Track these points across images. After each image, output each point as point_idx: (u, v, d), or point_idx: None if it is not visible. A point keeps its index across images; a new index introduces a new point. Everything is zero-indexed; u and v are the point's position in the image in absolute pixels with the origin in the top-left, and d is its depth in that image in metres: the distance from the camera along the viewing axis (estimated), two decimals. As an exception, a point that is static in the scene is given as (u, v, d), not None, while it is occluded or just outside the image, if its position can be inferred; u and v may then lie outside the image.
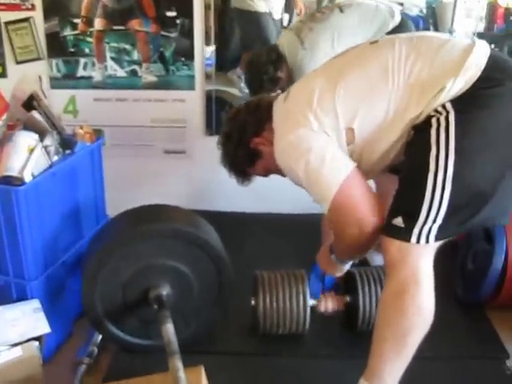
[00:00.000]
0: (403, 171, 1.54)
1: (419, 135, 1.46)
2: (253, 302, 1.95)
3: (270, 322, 1.93)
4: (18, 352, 1.68)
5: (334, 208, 1.53)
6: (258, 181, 2.20)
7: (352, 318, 1.97)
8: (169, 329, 1.62)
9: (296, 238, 2.47)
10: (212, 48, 2.55)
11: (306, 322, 1.93)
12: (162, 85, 2.62)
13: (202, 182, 2.71)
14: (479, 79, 1.41)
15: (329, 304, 1.94)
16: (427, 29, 2.50)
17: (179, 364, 1.47)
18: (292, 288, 1.92)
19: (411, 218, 1.43)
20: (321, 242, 2.08)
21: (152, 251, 1.78)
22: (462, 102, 1.41)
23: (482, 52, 1.45)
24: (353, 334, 2.00)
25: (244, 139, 1.77)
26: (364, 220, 1.52)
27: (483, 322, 2.09)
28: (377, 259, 2.12)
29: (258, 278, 1.97)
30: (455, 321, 2.09)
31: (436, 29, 2.52)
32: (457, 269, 2.26)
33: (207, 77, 2.60)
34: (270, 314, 1.91)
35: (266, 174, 1.86)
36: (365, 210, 1.53)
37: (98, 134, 2.45)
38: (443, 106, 1.42)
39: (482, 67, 1.42)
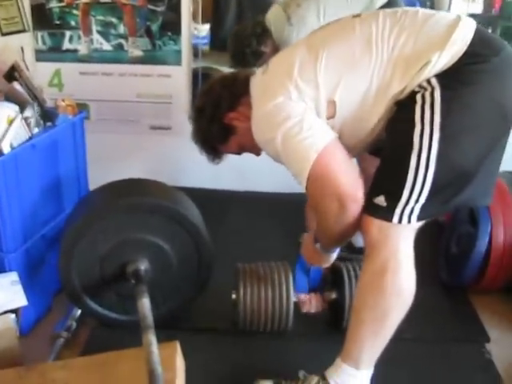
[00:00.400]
0: (385, 148, 1.50)
1: (403, 112, 1.42)
2: (234, 296, 1.88)
3: (251, 319, 1.86)
4: (-7, 324, 1.67)
5: (312, 180, 1.46)
6: (243, 159, 2.18)
7: (338, 315, 1.90)
8: (144, 303, 1.61)
9: (279, 216, 2.45)
10: (207, 26, 2.53)
11: (288, 319, 1.86)
12: (148, 59, 2.61)
13: (187, 158, 2.68)
14: (465, 54, 1.37)
15: (312, 305, 1.87)
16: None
17: (153, 339, 1.46)
18: (275, 283, 1.85)
19: (393, 197, 1.40)
20: (304, 222, 2.06)
21: (131, 225, 1.78)
22: (447, 78, 1.37)
23: (468, 27, 1.42)
24: (338, 332, 1.83)
25: (218, 114, 1.71)
26: (343, 192, 1.44)
27: (465, 306, 2.10)
28: (360, 240, 2.11)
29: (240, 271, 1.90)
30: (437, 303, 2.10)
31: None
32: (441, 251, 2.26)
33: (196, 54, 2.57)
34: (250, 311, 1.84)
35: (239, 151, 1.81)
36: (344, 181, 1.44)
37: (82, 107, 2.48)
38: (428, 82, 1.38)
39: (468, 42, 1.38)
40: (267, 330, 1.88)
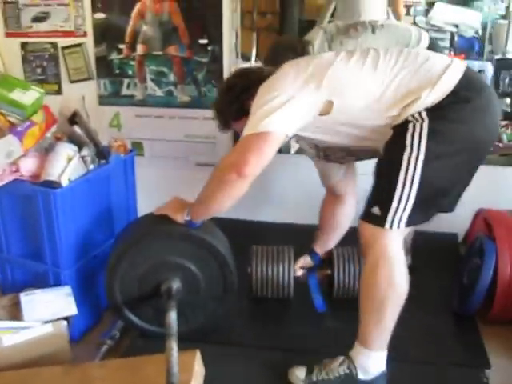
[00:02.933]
0: (380, 166, 1.77)
1: (398, 137, 1.69)
2: (249, 270, 2.29)
3: (261, 286, 2.29)
4: (48, 328, 1.95)
5: (243, 141, 1.72)
6: (280, 193, 2.41)
7: (331, 287, 2.31)
8: (171, 315, 1.82)
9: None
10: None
11: (290, 288, 2.28)
12: (194, 104, 2.81)
13: None
14: (452, 93, 1.64)
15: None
16: (482, 51, 2.55)
17: (174, 345, 1.67)
18: (280, 260, 2.28)
19: (385, 207, 1.68)
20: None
21: (166, 250, 2.00)
22: (435, 113, 1.64)
23: (457, 70, 1.68)
24: (330, 300, 2.31)
25: (242, 97, 1.88)
26: (245, 169, 1.67)
27: (472, 334, 2.19)
28: None
29: (254, 251, 2.32)
30: (446, 330, 2.22)
31: (491, 50, 2.55)
32: (455, 283, 2.39)
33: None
34: (261, 280, 2.28)
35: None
36: (253, 163, 1.67)
37: (137, 146, 2.78)
38: (419, 114, 1.65)
39: (455, 83, 1.65)
40: (274, 297, 2.32)
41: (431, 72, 1.68)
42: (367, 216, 1.74)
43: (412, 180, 1.64)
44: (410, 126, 1.65)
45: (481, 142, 1.71)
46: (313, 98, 1.72)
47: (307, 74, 1.73)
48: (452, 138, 1.65)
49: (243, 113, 1.85)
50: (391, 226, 1.68)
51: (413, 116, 1.66)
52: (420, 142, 1.63)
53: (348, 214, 2.28)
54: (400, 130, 1.68)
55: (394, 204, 1.67)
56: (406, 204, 1.66)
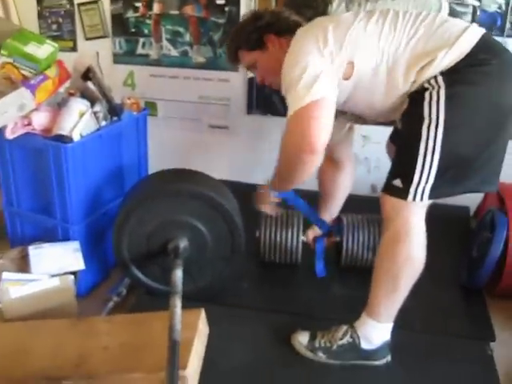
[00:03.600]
0: (400, 138, 1.75)
1: (414, 107, 1.66)
2: (257, 234, 2.29)
3: (269, 250, 2.29)
4: (55, 282, 1.97)
5: (294, 117, 1.65)
6: None
7: (339, 254, 2.30)
8: (177, 274, 1.83)
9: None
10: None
11: (298, 252, 2.29)
12: (209, 65, 2.79)
13: (242, 156, 2.89)
14: (468, 55, 1.60)
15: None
16: (503, 26, 2.51)
17: (178, 302, 1.68)
18: (288, 224, 2.28)
19: (407, 179, 1.64)
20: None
21: (175, 208, 2.00)
22: (452, 77, 1.60)
23: (475, 32, 1.64)
24: (338, 268, 2.34)
25: (265, 30, 1.88)
26: (309, 142, 1.62)
27: (479, 307, 2.18)
28: None
29: (263, 214, 2.28)
30: (453, 303, 2.21)
31: None
32: (464, 256, 2.38)
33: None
34: (269, 243, 2.28)
35: (251, 66, 2.01)
36: (314, 133, 1.62)
37: (151, 105, 2.77)
38: (435, 80, 1.61)
39: (473, 44, 1.61)
40: (281, 262, 2.32)
41: (448, 33, 1.64)
42: (389, 188, 1.70)
43: (433, 150, 1.60)
44: (427, 94, 1.61)
45: (501, 106, 1.63)
46: (337, 61, 1.68)
47: (328, 36, 1.69)
48: (470, 101, 1.60)
49: (259, 45, 1.88)
50: (414, 199, 1.65)
51: (429, 82, 1.62)
52: (438, 110, 1.59)
53: (347, 180, 2.27)
54: (417, 99, 1.64)
55: (416, 176, 1.63)
56: (428, 175, 1.62)
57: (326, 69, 1.65)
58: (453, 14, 2.48)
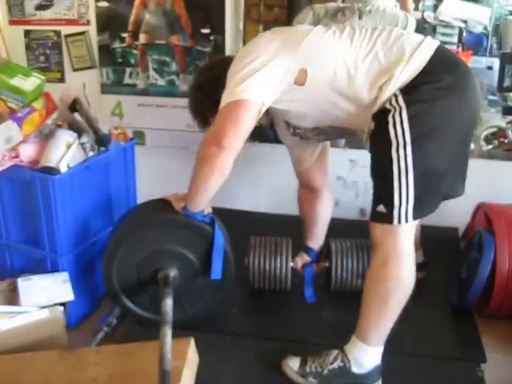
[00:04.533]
0: (373, 164, 1.76)
1: (380, 131, 1.69)
2: (246, 261, 2.29)
3: (258, 277, 2.29)
4: (45, 313, 1.96)
5: (221, 111, 1.70)
6: (279, 184, 2.39)
7: (329, 280, 2.30)
8: (167, 303, 1.83)
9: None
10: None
11: (287, 279, 2.29)
12: None
13: (230, 182, 2.87)
14: (424, 69, 1.64)
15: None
16: (490, 47, 2.54)
17: (168, 332, 1.68)
18: (277, 251, 2.29)
19: (389, 203, 1.67)
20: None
21: (164, 238, 2.00)
22: (411, 97, 1.63)
23: (430, 47, 1.68)
24: (327, 293, 2.34)
25: (215, 89, 1.85)
26: (224, 140, 1.67)
27: (469, 328, 2.18)
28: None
29: (251, 242, 2.32)
30: (442, 324, 2.23)
31: (500, 47, 2.54)
32: (454, 277, 2.38)
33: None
34: (258, 271, 2.28)
35: None
36: (231, 133, 1.67)
37: (139, 135, 2.79)
38: (396, 100, 1.64)
39: (427, 59, 1.65)
40: (271, 289, 2.31)
41: (404, 48, 1.68)
42: (375, 215, 1.73)
43: (406, 171, 1.64)
44: (390, 117, 1.64)
45: (460, 118, 1.68)
46: (287, 65, 1.70)
47: (283, 41, 1.72)
48: (431, 118, 1.64)
49: (219, 104, 1.85)
50: (399, 221, 1.67)
51: (390, 103, 1.66)
52: (404, 131, 1.63)
53: (326, 208, 2.27)
54: (381, 123, 1.67)
55: (396, 198, 1.65)
56: (407, 196, 1.65)
57: (266, 70, 1.68)
58: (439, 35, 2.53)
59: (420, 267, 2.42)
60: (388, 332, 1.77)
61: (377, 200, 1.73)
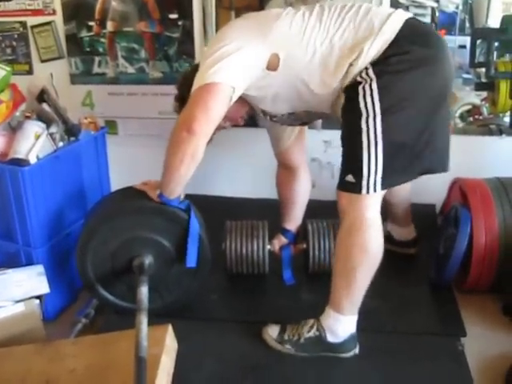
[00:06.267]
0: (343, 134, 1.77)
1: (351, 102, 1.69)
2: (223, 246, 2.27)
3: (236, 262, 2.28)
4: (20, 307, 1.94)
5: (191, 95, 1.70)
6: (254, 168, 2.40)
7: (306, 261, 2.30)
8: (143, 291, 1.81)
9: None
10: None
11: (265, 262, 2.27)
12: (167, 80, 2.76)
13: (205, 168, 2.86)
14: (393, 41, 1.64)
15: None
16: (463, 26, 2.53)
17: (144, 319, 1.67)
18: (254, 234, 2.27)
19: (358, 173, 1.68)
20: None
21: (137, 225, 1.97)
22: (381, 69, 1.64)
23: (399, 19, 1.68)
24: (306, 274, 2.34)
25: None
26: (194, 124, 1.67)
27: (449, 303, 2.19)
28: (401, 234, 2.48)
29: (228, 227, 2.30)
30: (422, 301, 2.23)
31: (472, 25, 2.54)
32: (432, 253, 2.39)
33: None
34: (235, 255, 2.26)
35: None
36: (201, 118, 1.67)
37: (111, 124, 2.75)
38: (366, 72, 1.65)
39: (397, 31, 1.65)
40: (249, 273, 2.30)
41: (372, 22, 1.68)
42: (343, 185, 1.74)
43: (376, 141, 1.65)
44: (360, 88, 1.66)
45: (430, 89, 1.69)
46: (259, 49, 1.71)
47: (254, 27, 1.73)
48: (401, 89, 1.65)
49: None
50: (367, 191, 1.68)
51: (361, 75, 1.66)
52: (373, 102, 1.64)
53: (304, 187, 2.29)
54: (352, 94, 1.68)
55: (365, 168, 1.67)
56: (376, 166, 1.66)
57: (238, 55, 1.68)
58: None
59: (411, 243, 2.47)
60: (359, 301, 1.79)
61: (345, 170, 1.74)
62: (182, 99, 1.89)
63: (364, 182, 1.68)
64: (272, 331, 1.93)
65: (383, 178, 1.68)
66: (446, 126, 1.82)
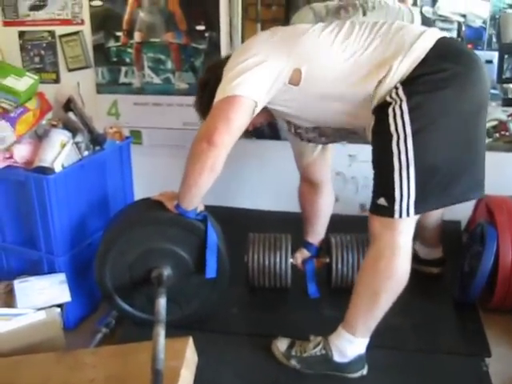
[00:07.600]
0: (374, 158, 1.72)
1: (381, 124, 1.64)
2: (245, 259, 2.26)
3: (258, 275, 2.26)
4: (42, 315, 1.94)
5: (213, 107, 1.69)
6: (278, 181, 2.36)
7: (329, 275, 2.27)
8: (161, 302, 1.80)
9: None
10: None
11: (287, 275, 2.26)
12: (192, 91, 2.66)
13: (227, 180, 2.87)
14: (424, 60, 1.59)
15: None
16: (490, 41, 2.53)
17: (161, 331, 1.66)
18: (276, 247, 2.25)
19: (390, 196, 1.63)
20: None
21: (154, 236, 1.96)
22: (411, 89, 1.59)
23: (431, 37, 1.64)
24: (329, 289, 2.30)
25: (215, 89, 1.79)
26: (213, 135, 1.66)
27: (473, 323, 2.15)
28: (425, 252, 2.44)
29: (251, 239, 2.29)
30: (446, 319, 2.19)
31: (499, 40, 2.52)
32: (456, 271, 2.34)
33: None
34: (257, 268, 2.25)
35: None
36: (222, 130, 1.65)
37: (136, 134, 2.76)
38: (396, 93, 1.60)
39: (428, 49, 1.60)
40: (271, 286, 2.28)
41: (403, 40, 1.64)
42: (375, 208, 1.69)
43: (407, 164, 1.59)
44: (390, 110, 1.60)
45: (463, 110, 1.62)
46: (281, 65, 1.68)
47: (279, 41, 1.71)
48: (432, 110, 1.59)
49: None
50: (400, 215, 1.63)
51: (390, 96, 1.61)
52: (404, 124, 1.58)
53: (327, 201, 2.25)
54: (382, 115, 1.63)
55: (397, 192, 1.62)
56: (408, 190, 1.61)
57: (261, 68, 1.66)
58: (424, 19, 2.51)
59: (437, 262, 2.44)
60: (375, 325, 1.75)
61: (378, 193, 1.70)
62: (206, 85, 1.90)
63: (397, 206, 1.63)
64: (281, 345, 1.92)
65: (416, 201, 1.62)
66: (482, 146, 1.73)
